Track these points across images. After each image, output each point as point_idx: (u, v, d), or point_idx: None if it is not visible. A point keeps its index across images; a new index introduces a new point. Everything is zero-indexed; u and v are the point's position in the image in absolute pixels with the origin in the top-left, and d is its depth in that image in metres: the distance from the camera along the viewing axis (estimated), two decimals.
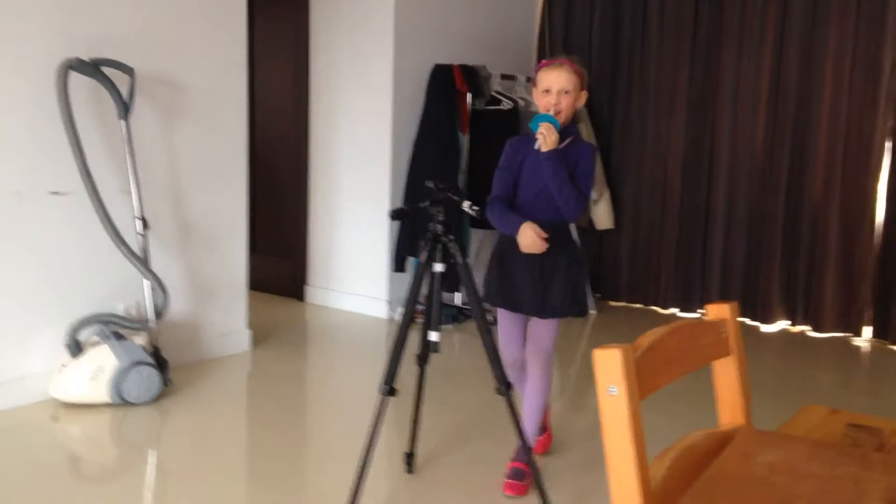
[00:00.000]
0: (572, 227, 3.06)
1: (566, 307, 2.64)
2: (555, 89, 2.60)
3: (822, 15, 4.73)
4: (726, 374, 1.32)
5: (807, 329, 4.97)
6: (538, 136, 2.55)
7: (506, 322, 2.74)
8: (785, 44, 4.87)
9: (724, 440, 1.21)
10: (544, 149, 2.54)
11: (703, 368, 1.35)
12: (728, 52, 5.06)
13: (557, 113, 2.58)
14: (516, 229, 2.57)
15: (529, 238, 2.54)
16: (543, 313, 2.64)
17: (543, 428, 2.98)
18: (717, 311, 1.33)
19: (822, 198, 4.83)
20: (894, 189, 4.62)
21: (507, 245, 2.68)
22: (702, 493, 1.02)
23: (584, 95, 2.68)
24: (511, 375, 2.66)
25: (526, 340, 2.73)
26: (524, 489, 2.65)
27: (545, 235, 2.53)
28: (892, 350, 4.62)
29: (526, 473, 2.65)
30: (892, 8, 4.55)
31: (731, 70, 5.06)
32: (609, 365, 1.02)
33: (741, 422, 1.31)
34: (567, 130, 2.64)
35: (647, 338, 1.14)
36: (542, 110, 2.61)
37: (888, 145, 4.64)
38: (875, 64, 4.61)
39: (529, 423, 2.70)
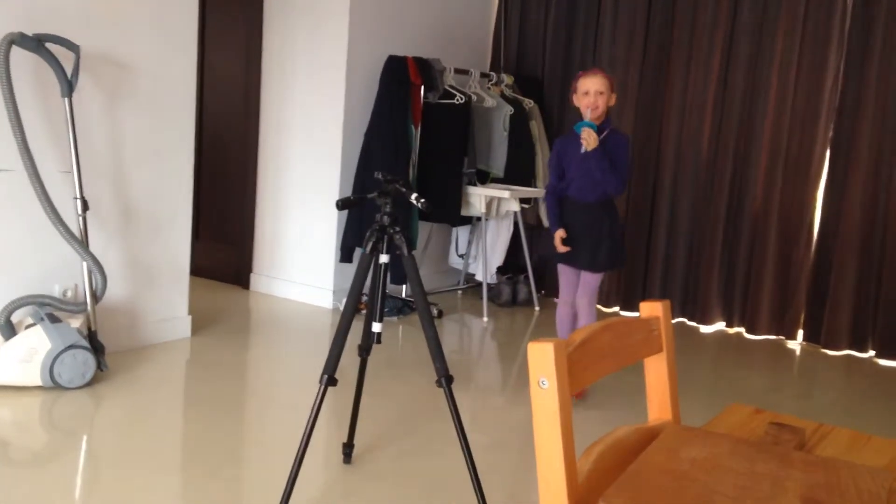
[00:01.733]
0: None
1: (609, 263, 3.61)
2: (592, 91, 3.37)
3: (770, 29, 4.86)
4: (657, 371, 1.35)
5: (742, 331, 5.10)
6: (582, 140, 3.35)
7: (565, 275, 3.66)
8: (732, 55, 4.99)
9: (651, 435, 1.24)
10: (588, 149, 3.35)
11: (638, 365, 1.38)
12: (677, 60, 5.16)
13: (595, 110, 3.37)
14: (554, 229, 3.56)
15: (556, 241, 3.54)
16: (594, 268, 3.55)
17: None
18: (650, 309, 1.36)
19: (762, 205, 4.96)
20: (830, 198, 4.77)
21: (568, 219, 3.56)
22: (625, 486, 1.04)
23: (614, 97, 3.47)
24: (564, 314, 3.70)
25: (578, 287, 3.62)
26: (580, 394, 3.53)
27: (564, 237, 3.52)
28: (823, 353, 4.78)
29: None
30: (837, 23, 4.69)
31: (679, 77, 5.16)
32: (541, 358, 1.04)
33: (669, 418, 1.35)
34: (604, 125, 3.43)
35: (580, 333, 1.16)
36: (583, 110, 3.40)
37: (827, 155, 4.79)
38: (818, 77, 4.75)
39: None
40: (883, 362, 4.65)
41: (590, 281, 3.59)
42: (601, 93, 3.37)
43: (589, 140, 3.33)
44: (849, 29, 4.66)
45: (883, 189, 4.61)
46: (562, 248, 3.53)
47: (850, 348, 4.77)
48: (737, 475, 1.10)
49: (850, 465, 1.17)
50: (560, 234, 3.52)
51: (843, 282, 4.73)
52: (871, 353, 4.72)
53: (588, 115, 3.37)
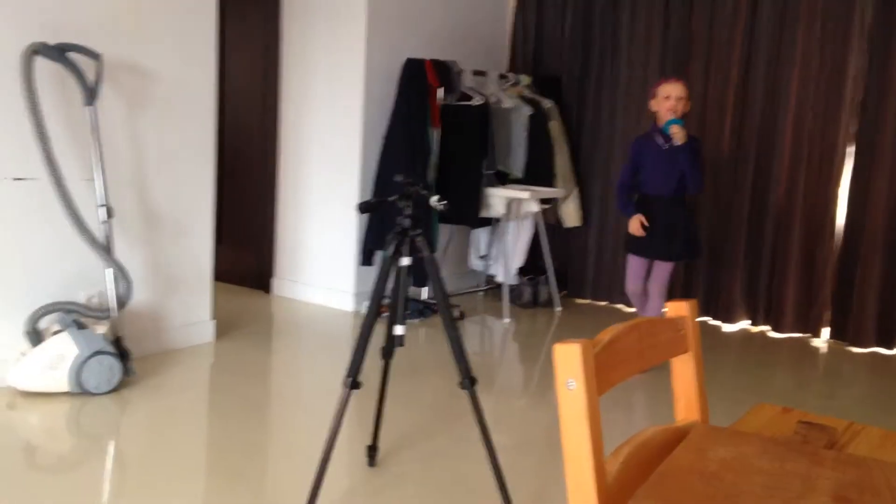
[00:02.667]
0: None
1: (686, 253, 4.12)
2: (674, 96, 3.89)
3: (790, 23, 4.81)
4: (683, 371, 1.35)
5: (767, 329, 5.06)
6: (672, 134, 3.83)
7: (634, 265, 4.10)
8: (752, 52, 4.94)
9: (679, 436, 1.23)
10: (679, 142, 3.83)
11: (664, 365, 1.37)
12: (697, 57, 5.13)
13: (675, 113, 3.86)
14: (630, 215, 4.02)
15: (635, 225, 3.99)
16: (669, 257, 4.00)
17: None
18: (676, 309, 1.35)
19: (785, 202, 4.91)
20: (855, 194, 4.72)
21: (642, 213, 3.99)
22: (655, 488, 1.04)
23: (689, 103, 3.98)
24: (634, 302, 4.24)
25: (650, 276, 4.05)
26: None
27: (646, 225, 3.96)
28: (849, 352, 4.72)
29: None
30: (857, 16, 4.64)
31: (699, 74, 5.12)
32: (568, 359, 1.04)
33: (697, 418, 1.34)
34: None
35: (607, 334, 1.16)
36: (663, 112, 3.91)
37: (850, 150, 4.74)
38: (839, 71, 4.70)
39: None
40: None
41: (663, 269, 4.03)
42: (681, 98, 3.90)
43: (679, 134, 3.82)
44: (870, 24, 4.61)
45: None
46: (640, 232, 3.98)
47: (877, 345, 4.71)
48: (766, 475, 1.09)
49: (883, 464, 1.15)
50: (640, 217, 3.97)
51: (868, 278, 4.67)
52: None
53: (668, 117, 3.87)
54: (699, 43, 5.11)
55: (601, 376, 1.09)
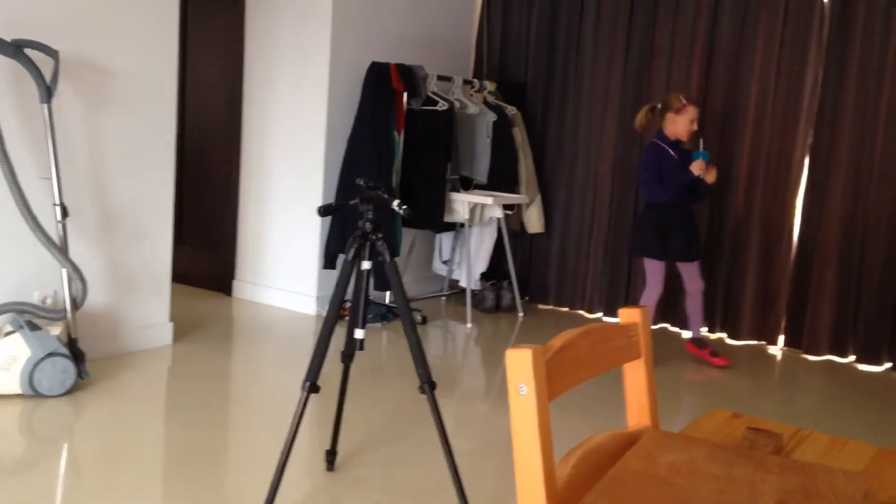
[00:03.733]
0: None
1: (699, 254, 4.44)
2: (696, 119, 4.27)
3: (749, 34, 4.90)
4: (635, 377, 1.36)
5: (724, 336, 5.13)
6: (697, 170, 4.18)
7: (660, 269, 4.35)
8: (713, 61, 5.02)
9: (630, 441, 1.25)
10: (710, 182, 4.27)
11: (618, 371, 1.38)
12: (658, 65, 5.20)
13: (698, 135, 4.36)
14: (690, 173, 4.20)
15: (699, 168, 4.19)
16: (692, 258, 4.37)
17: (705, 344, 4.55)
18: (628, 315, 1.37)
19: (743, 211, 4.99)
20: (810, 204, 4.82)
21: (661, 218, 4.31)
22: (604, 492, 1.05)
23: None
24: (652, 314, 4.68)
25: (684, 278, 4.42)
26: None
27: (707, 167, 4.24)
28: (804, 359, 4.81)
29: (701, 341, 4.54)
30: (815, 29, 4.73)
31: (660, 83, 5.19)
32: (519, 364, 1.04)
33: (648, 423, 1.35)
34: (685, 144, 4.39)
35: (559, 339, 1.17)
36: (682, 131, 4.27)
37: (806, 162, 4.83)
38: (797, 82, 4.79)
39: (695, 322, 4.49)
40: (862, 367, 4.69)
41: (693, 269, 4.38)
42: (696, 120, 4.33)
43: (711, 176, 4.24)
44: (827, 35, 4.71)
45: (862, 195, 4.65)
46: (701, 169, 4.19)
47: (831, 353, 4.81)
48: (714, 480, 1.11)
49: (827, 470, 1.18)
50: (699, 163, 4.18)
51: (823, 287, 4.77)
52: (852, 357, 4.76)
53: (685, 137, 4.27)
54: (661, 49, 5.18)
55: (553, 382, 1.10)
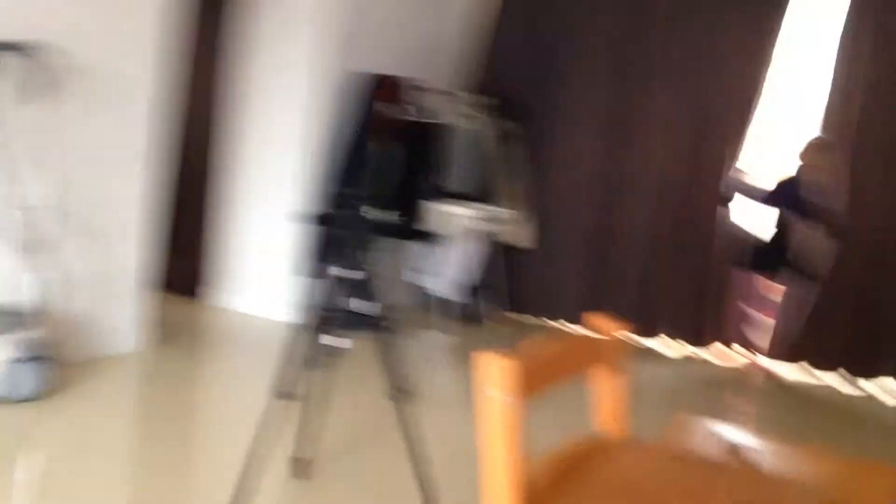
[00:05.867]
0: None
1: None
2: None
3: (720, 56, 4.99)
4: (605, 384, 1.36)
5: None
6: None
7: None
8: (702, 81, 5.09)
9: (598, 446, 1.25)
10: None
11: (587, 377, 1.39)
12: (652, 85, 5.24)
13: None
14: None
15: None
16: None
17: None
18: (599, 324, 1.37)
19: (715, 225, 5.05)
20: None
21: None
22: (572, 497, 1.05)
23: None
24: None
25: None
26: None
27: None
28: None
29: None
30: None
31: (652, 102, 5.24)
32: (489, 369, 1.04)
33: (617, 429, 1.36)
34: None
35: (531, 346, 1.17)
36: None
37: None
38: None
39: None
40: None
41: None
42: None
43: None
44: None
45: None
46: None
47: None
48: (680, 486, 1.11)
49: (784, 480, 1.19)
50: None
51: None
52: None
53: None
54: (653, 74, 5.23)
55: (523, 387, 1.09)
